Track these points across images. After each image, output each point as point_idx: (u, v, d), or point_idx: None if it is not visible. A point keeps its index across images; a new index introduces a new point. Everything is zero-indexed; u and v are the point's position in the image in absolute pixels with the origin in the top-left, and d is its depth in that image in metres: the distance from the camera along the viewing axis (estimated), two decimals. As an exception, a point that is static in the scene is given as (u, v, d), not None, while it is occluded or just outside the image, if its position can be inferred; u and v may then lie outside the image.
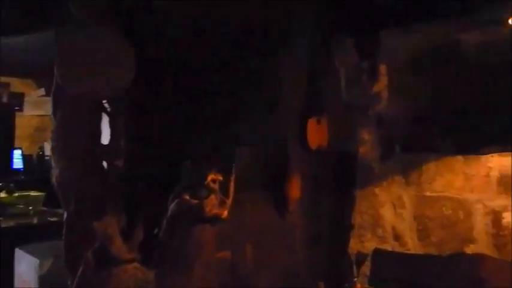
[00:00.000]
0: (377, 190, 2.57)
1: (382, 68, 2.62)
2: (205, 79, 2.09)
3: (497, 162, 2.23)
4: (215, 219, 1.62)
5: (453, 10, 2.30)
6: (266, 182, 2.14)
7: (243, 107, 2.09)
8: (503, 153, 2.23)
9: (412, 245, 2.45)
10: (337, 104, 2.63)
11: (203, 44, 2.07)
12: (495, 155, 2.24)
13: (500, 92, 2.28)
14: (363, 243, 2.60)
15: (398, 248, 2.49)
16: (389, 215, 2.53)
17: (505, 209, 2.19)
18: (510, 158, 2.20)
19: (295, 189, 2.16)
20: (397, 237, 2.50)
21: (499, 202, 2.21)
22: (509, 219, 2.18)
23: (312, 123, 2.36)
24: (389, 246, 2.52)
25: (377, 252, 2.52)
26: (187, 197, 1.62)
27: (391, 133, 2.56)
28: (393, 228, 2.52)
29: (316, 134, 2.39)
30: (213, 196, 1.60)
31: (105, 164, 1.79)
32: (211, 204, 1.59)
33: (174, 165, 1.76)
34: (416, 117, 2.49)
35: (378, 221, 2.57)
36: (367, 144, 2.61)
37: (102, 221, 1.57)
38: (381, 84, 2.61)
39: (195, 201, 1.61)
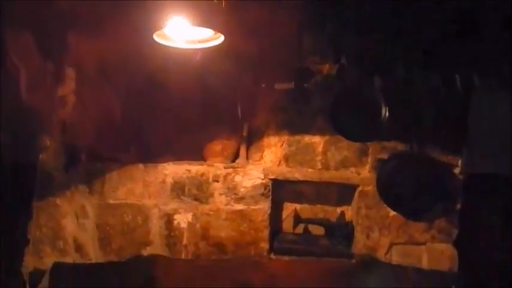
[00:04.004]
0: (58, 200, 2.42)
1: (70, 71, 2.50)
2: None
3: (172, 170, 2.47)
4: None
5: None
6: None
7: None
8: (177, 162, 2.49)
9: (94, 255, 2.43)
10: (15, 107, 2.35)
11: None
12: (170, 163, 2.48)
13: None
14: (41, 258, 2.40)
15: (79, 260, 2.42)
16: (72, 226, 2.43)
17: (176, 211, 2.45)
18: (183, 166, 2.48)
19: None
20: (79, 248, 2.43)
21: (171, 206, 2.45)
22: (179, 221, 2.45)
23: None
24: (71, 258, 2.42)
25: (56, 267, 2.38)
26: None
27: (77, 141, 2.47)
28: (75, 239, 2.43)
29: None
30: None
31: None
32: None
33: None
34: (102, 126, 2.49)
35: (58, 233, 2.42)
36: (49, 152, 2.43)
37: None
38: (67, 89, 2.49)
39: None
